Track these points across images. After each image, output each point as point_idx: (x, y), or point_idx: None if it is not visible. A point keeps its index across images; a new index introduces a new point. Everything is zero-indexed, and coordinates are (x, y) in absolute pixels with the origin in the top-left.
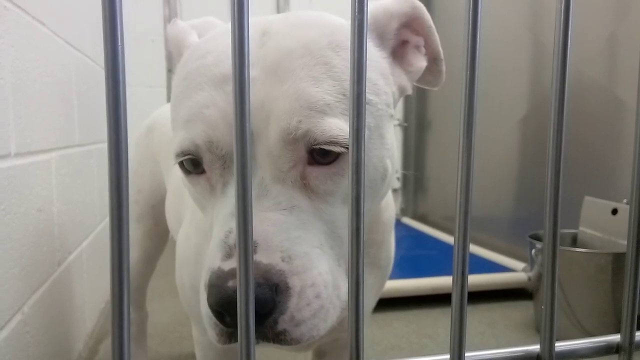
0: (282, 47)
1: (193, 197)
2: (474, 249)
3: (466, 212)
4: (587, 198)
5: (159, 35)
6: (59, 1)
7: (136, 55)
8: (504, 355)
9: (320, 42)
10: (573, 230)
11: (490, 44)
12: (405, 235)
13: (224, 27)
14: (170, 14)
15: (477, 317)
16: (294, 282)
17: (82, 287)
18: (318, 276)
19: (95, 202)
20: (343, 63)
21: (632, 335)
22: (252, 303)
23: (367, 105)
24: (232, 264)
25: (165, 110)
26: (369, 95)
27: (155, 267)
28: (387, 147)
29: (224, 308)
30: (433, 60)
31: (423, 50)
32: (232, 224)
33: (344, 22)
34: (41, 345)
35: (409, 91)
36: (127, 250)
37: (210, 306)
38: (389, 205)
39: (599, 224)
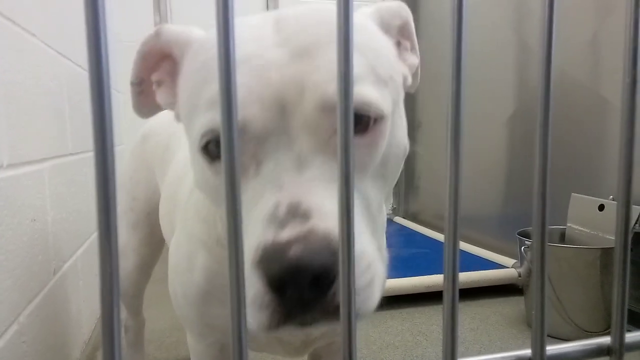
0: (304, 28)
1: (215, 190)
2: (464, 246)
3: (456, 211)
4: (574, 195)
5: None
6: (49, 12)
7: (127, 62)
8: (495, 359)
9: None
10: (561, 227)
11: (476, 46)
12: (397, 234)
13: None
14: (161, 21)
15: (470, 313)
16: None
17: (78, 295)
18: (368, 245)
19: (89, 210)
20: (363, 40)
21: (622, 337)
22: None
23: (390, 80)
24: (288, 233)
25: (159, 119)
26: (391, 71)
27: (151, 273)
28: (404, 126)
29: (289, 277)
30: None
31: (409, 51)
32: (278, 197)
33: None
34: (38, 355)
35: (409, 82)
36: (116, 255)
37: (271, 279)
38: (382, 211)
39: (586, 220)
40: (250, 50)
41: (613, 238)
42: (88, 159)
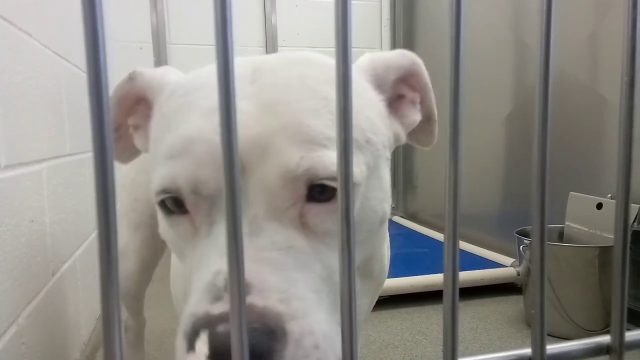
0: (277, 82)
1: (171, 241)
2: (463, 245)
3: (455, 210)
4: (572, 194)
5: (147, 42)
6: (47, 12)
7: (124, 63)
8: (495, 359)
9: (317, 77)
10: (559, 225)
11: (474, 45)
12: (396, 233)
13: (209, 67)
14: (157, 22)
15: (469, 312)
16: (292, 328)
17: (77, 296)
18: (317, 324)
19: (87, 211)
20: None
21: (622, 336)
22: (247, 352)
23: (366, 144)
24: (221, 307)
25: None
26: (369, 134)
27: (152, 274)
28: (385, 189)
29: (215, 358)
30: (427, 119)
31: (418, 106)
32: (220, 265)
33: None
34: (37, 356)
35: (403, 140)
36: (115, 256)
37: (199, 355)
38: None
39: (585, 218)
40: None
41: (611, 236)
42: (86, 159)
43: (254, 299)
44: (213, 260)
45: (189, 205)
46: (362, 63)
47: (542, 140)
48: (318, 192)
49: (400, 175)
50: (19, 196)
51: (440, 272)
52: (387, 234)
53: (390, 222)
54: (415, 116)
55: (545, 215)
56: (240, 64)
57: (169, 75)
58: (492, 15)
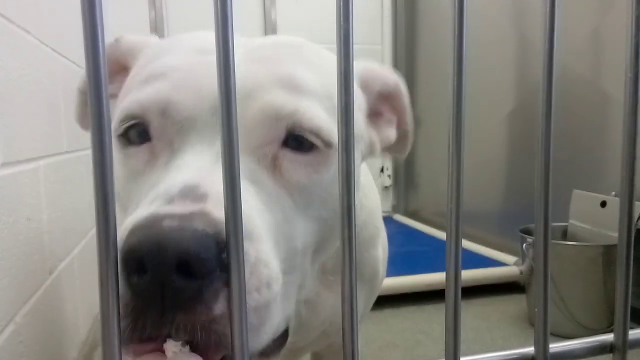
0: (269, 45)
1: (121, 178)
2: (465, 244)
3: (457, 209)
4: (575, 191)
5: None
6: (44, 9)
7: None
8: (498, 357)
9: (309, 49)
10: (563, 224)
11: (476, 41)
12: (397, 232)
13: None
14: (156, 17)
15: (471, 311)
16: (249, 250)
17: (75, 294)
18: (274, 260)
19: (85, 209)
20: (328, 72)
21: (625, 335)
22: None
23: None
24: (173, 208)
25: None
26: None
27: None
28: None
29: (146, 251)
30: (402, 136)
31: (394, 125)
32: (175, 177)
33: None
34: (35, 355)
35: (377, 151)
36: (115, 255)
37: (128, 253)
38: (368, 224)
39: (588, 216)
40: (210, 45)
41: (615, 235)
42: (84, 156)
43: (210, 207)
44: (168, 179)
45: (153, 130)
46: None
47: (546, 137)
48: (295, 144)
49: (401, 172)
50: (15, 194)
51: (442, 271)
52: (383, 237)
53: (391, 220)
54: (391, 134)
55: (548, 213)
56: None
57: (152, 39)
58: (494, 11)
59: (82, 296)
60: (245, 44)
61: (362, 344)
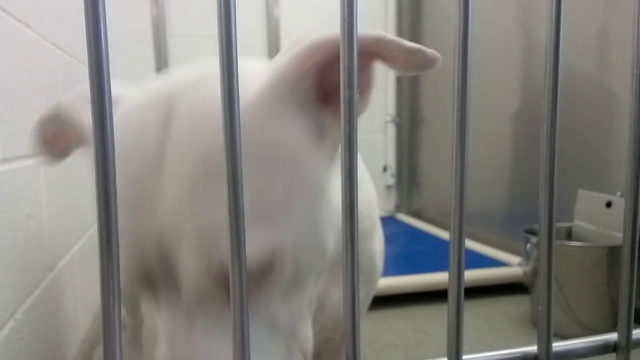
0: (194, 137)
1: None
2: (468, 244)
3: (461, 208)
4: (580, 191)
5: (147, 35)
6: (45, 3)
7: (123, 55)
8: (501, 356)
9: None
10: (568, 224)
11: (481, 39)
12: (400, 231)
13: (124, 108)
14: (158, 14)
15: (474, 312)
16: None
17: (75, 292)
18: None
19: (86, 206)
20: (250, 157)
21: (629, 334)
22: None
23: (288, 202)
24: None
25: None
26: (291, 185)
27: None
28: (326, 219)
29: None
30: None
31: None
32: (172, 354)
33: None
34: (34, 352)
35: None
36: (116, 253)
37: None
38: (364, 217)
39: (594, 217)
40: (130, 154)
41: (621, 235)
42: (85, 153)
43: None
44: (165, 349)
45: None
46: (259, 70)
47: (551, 136)
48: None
49: (404, 172)
50: (16, 190)
51: (444, 271)
52: (379, 230)
53: (394, 219)
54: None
55: (553, 213)
56: (154, 93)
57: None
58: (499, 9)
59: (82, 293)
60: (169, 113)
61: (363, 345)
